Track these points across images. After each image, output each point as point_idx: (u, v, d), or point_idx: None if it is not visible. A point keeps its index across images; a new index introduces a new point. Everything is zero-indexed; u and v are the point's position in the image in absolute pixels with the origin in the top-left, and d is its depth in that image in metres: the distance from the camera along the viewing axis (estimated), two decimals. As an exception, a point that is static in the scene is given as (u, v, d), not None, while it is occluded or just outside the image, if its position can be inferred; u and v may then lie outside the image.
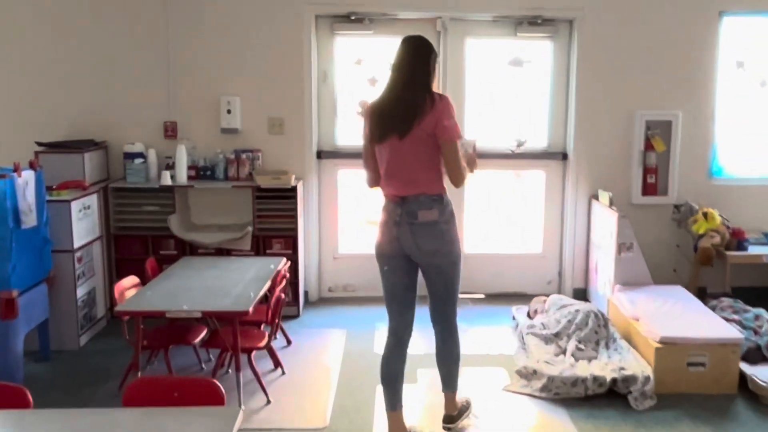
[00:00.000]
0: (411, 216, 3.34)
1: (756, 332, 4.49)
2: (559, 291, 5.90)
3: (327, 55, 5.72)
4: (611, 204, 5.30)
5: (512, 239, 6.09)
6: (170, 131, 5.56)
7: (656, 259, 5.51)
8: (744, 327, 4.54)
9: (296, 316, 5.45)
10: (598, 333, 4.59)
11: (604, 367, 4.21)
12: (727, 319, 4.56)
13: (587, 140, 5.70)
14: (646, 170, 5.71)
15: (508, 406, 4.05)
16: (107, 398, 4.04)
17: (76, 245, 4.80)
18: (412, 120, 3.28)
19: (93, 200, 5.10)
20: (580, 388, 4.06)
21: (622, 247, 5.06)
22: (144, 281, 4.27)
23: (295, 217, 5.37)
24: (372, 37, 5.68)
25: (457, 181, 3.39)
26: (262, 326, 4.39)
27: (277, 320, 4.18)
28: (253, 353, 4.08)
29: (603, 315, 4.73)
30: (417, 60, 3.39)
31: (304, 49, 5.52)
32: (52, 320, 4.65)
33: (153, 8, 5.44)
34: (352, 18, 5.58)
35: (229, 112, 5.52)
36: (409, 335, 3.56)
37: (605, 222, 5.34)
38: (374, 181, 3.54)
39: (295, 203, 5.36)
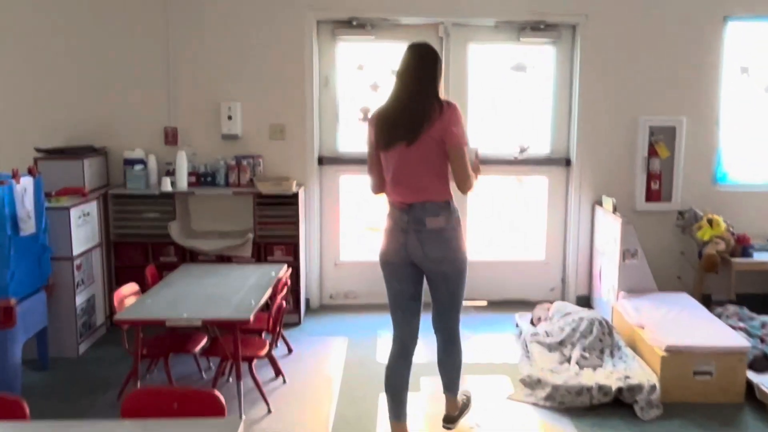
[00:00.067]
0: (418, 223, 3.32)
1: (762, 340, 4.45)
2: (562, 298, 5.85)
3: (328, 61, 5.69)
4: (615, 210, 5.25)
5: (515, 246, 6.04)
6: (170, 137, 5.52)
7: (660, 266, 5.46)
8: (750, 335, 4.50)
9: (297, 323, 5.40)
10: (602, 341, 4.54)
11: (609, 375, 4.16)
12: (733, 327, 4.51)
13: (590, 146, 5.66)
14: (650, 176, 5.67)
15: (513, 416, 3.99)
16: (106, 408, 3.99)
17: (75, 252, 4.76)
18: (420, 127, 3.26)
19: (92, 207, 5.07)
20: (585, 398, 4.01)
21: (626, 253, 5.02)
22: (144, 288, 4.23)
23: (296, 223, 5.33)
24: (374, 43, 5.65)
25: (465, 187, 3.37)
26: (263, 334, 4.35)
27: (278, 328, 4.14)
28: (254, 362, 4.03)
29: (607, 323, 4.68)
30: (424, 67, 3.37)
31: (305, 55, 5.49)
32: (51, 328, 4.60)
33: (153, 13, 5.41)
34: (354, 23, 5.54)
35: (229, 117, 5.49)
36: (415, 344, 3.52)
37: (609, 228, 5.30)
38: (379, 188, 3.51)
39: (297, 210, 5.32)
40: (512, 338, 5.12)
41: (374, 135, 3.41)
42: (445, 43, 5.60)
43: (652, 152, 5.64)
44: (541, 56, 5.77)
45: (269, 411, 3.96)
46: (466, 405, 3.84)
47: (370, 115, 3.50)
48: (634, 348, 4.52)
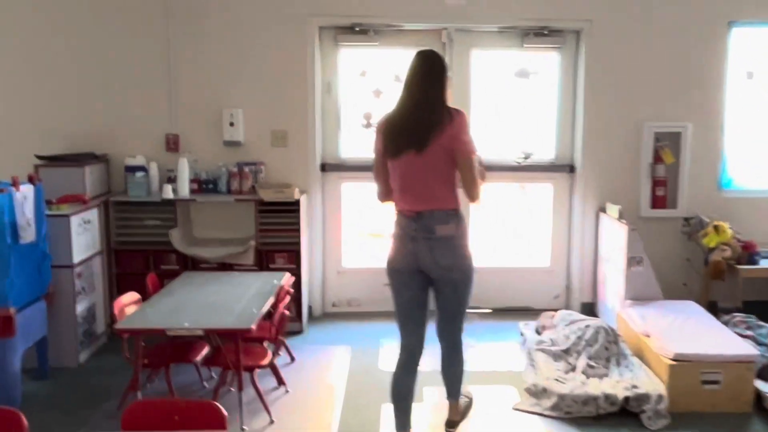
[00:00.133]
0: (428, 231, 3.31)
1: (770, 348, 4.40)
2: (567, 305, 5.81)
3: (331, 67, 5.65)
4: (620, 217, 5.21)
5: (519, 253, 6.00)
6: (172, 144, 5.49)
7: (666, 273, 5.41)
8: (758, 343, 4.44)
9: (300, 331, 5.35)
10: (608, 349, 4.49)
11: (616, 384, 4.11)
12: (740, 335, 4.46)
13: (595, 152, 5.62)
14: (655, 182, 5.62)
15: (518, 426, 3.94)
16: (106, 419, 3.93)
17: (75, 260, 4.72)
18: (430, 135, 3.25)
19: (93, 214, 5.03)
20: (591, 407, 3.96)
21: (632, 261, 4.97)
22: (145, 296, 4.18)
23: (298, 231, 5.28)
24: (376, 49, 5.62)
25: (474, 196, 3.37)
26: (265, 343, 4.30)
27: (280, 337, 4.09)
28: (256, 371, 3.99)
29: (613, 331, 4.63)
30: (432, 75, 3.36)
31: (307, 61, 5.46)
32: (51, 337, 4.55)
33: (155, 20, 5.38)
34: (357, 29, 5.51)
35: (231, 124, 5.45)
36: (422, 352, 3.50)
37: (614, 235, 5.25)
38: (385, 195, 3.50)
39: (299, 217, 5.28)
40: (516, 346, 5.06)
41: (382, 142, 3.39)
42: (449, 48, 5.56)
43: (657, 158, 5.60)
44: (545, 62, 5.73)
45: (271, 421, 3.91)
46: (468, 406, 3.83)
47: (377, 122, 3.47)
48: (640, 356, 4.47)
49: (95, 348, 5.03)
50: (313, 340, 5.23)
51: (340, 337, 5.29)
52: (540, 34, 5.56)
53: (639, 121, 5.56)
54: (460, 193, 3.38)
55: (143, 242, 5.25)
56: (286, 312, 4.10)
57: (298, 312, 5.35)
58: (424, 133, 3.25)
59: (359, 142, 5.68)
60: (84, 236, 4.86)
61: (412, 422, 3.49)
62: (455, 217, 3.35)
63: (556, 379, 4.21)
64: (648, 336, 4.46)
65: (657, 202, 5.64)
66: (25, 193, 4.23)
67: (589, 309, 5.70)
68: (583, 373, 4.28)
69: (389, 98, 5.51)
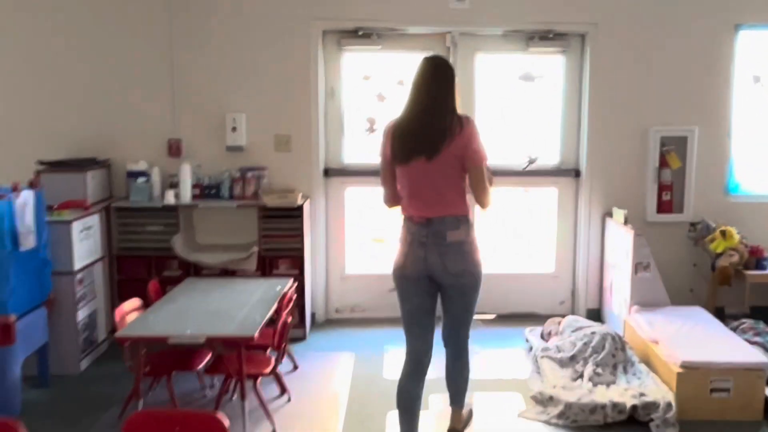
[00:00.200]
0: (438, 237, 3.28)
1: (780, 356, 4.34)
2: (572, 311, 5.75)
3: (334, 71, 5.61)
4: (626, 222, 5.16)
5: (524, 258, 5.94)
6: (174, 149, 5.45)
7: (672, 279, 5.36)
8: (767, 350, 4.38)
9: (303, 338, 5.30)
10: (615, 356, 4.44)
11: (624, 392, 4.05)
12: (749, 342, 4.41)
13: (600, 157, 5.57)
14: (661, 187, 5.57)
15: (524, 435, 3.90)
16: (107, 428, 3.89)
17: (76, 267, 4.67)
18: (441, 142, 3.23)
19: (95, 220, 4.99)
20: (599, 416, 3.90)
21: (638, 266, 4.92)
22: (147, 303, 4.14)
23: (301, 236, 5.24)
24: (380, 53, 5.58)
25: (484, 203, 3.36)
26: (268, 350, 4.25)
27: (283, 344, 4.04)
28: (259, 379, 3.94)
29: (620, 337, 4.57)
30: (441, 81, 3.33)
31: (311, 65, 5.42)
32: (52, 344, 4.50)
33: (157, 24, 5.35)
34: (360, 33, 5.47)
35: (234, 129, 5.42)
36: (429, 359, 3.45)
37: (620, 241, 5.20)
38: (392, 200, 3.47)
39: (302, 222, 5.23)
40: (522, 353, 5.01)
41: (390, 148, 3.35)
42: (453, 52, 5.52)
43: (663, 163, 5.55)
44: (549, 66, 5.69)
45: (274, 430, 3.86)
46: (468, 418, 3.81)
47: (384, 127, 3.42)
48: (648, 364, 4.42)
49: (97, 355, 4.98)
50: (317, 347, 5.18)
51: (343, 343, 5.24)
52: (545, 37, 5.52)
53: (645, 125, 5.52)
54: (469, 198, 3.35)
55: (145, 248, 5.21)
56: (290, 319, 4.05)
57: (302, 318, 5.30)
58: (435, 141, 3.23)
59: (363, 147, 5.63)
60: (85, 242, 4.82)
61: (419, 431, 3.44)
62: (465, 222, 3.33)
63: (563, 387, 4.15)
64: (656, 343, 4.41)
65: (663, 207, 5.59)
66: (26, 199, 4.19)
67: (595, 315, 5.64)
68: (590, 380, 4.22)
69: (393, 103, 5.48)
